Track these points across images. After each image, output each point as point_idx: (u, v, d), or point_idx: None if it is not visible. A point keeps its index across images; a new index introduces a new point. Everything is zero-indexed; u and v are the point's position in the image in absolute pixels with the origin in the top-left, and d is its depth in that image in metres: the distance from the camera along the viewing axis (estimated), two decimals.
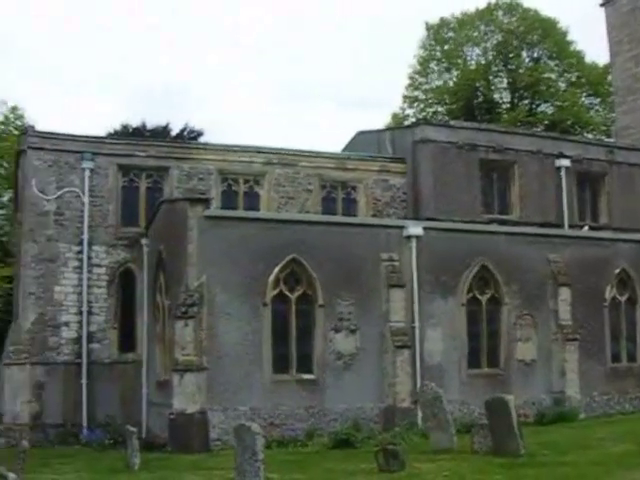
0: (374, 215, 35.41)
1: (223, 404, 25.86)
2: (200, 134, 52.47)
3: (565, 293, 30.90)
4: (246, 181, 34.68)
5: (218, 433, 25.42)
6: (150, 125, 51.08)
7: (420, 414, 25.65)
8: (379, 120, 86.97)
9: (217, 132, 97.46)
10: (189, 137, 50.34)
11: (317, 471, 19.22)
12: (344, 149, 41.23)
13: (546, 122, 64.36)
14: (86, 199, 32.27)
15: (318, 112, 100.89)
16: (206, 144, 36.67)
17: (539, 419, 28.72)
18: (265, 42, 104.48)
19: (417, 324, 28.53)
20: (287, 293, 27.40)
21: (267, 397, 26.54)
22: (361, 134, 41.18)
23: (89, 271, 32.09)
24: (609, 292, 32.24)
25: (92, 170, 32.62)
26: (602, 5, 53.21)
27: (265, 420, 25.65)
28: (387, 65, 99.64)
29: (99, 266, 32.34)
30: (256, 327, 26.69)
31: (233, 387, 26.07)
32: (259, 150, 35.16)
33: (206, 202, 27.86)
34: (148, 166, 33.65)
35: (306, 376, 27.37)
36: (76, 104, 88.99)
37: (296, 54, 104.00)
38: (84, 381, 31.35)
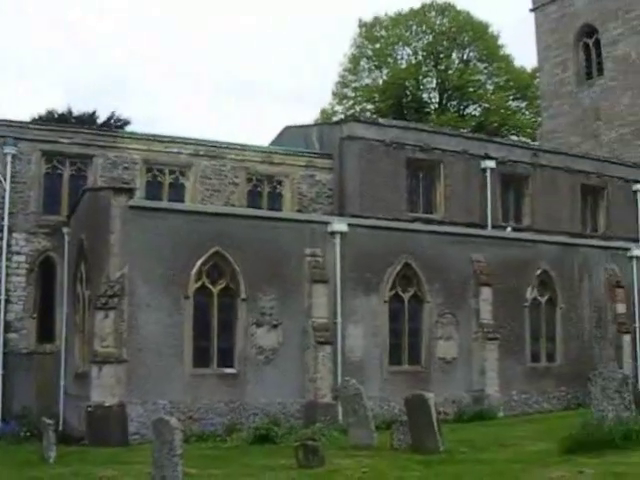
0: (299, 210, 35.35)
1: (142, 397, 25.55)
2: (127, 123, 51.93)
3: (486, 293, 31.18)
4: (171, 172, 34.39)
5: (137, 427, 25.12)
6: (76, 112, 50.45)
7: (341, 410, 25.66)
8: (310, 116, 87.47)
9: (151, 125, 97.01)
10: (115, 126, 49.72)
11: (235, 466, 19.06)
12: (271, 143, 41.10)
13: (473, 123, 64.97)
14: (7, 185, 31.68)
15: (255, 108, 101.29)
16: (132, 133, 36.24)
17: (459, 417, 29.05)
18: (201, 38, 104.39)
19: (339, 320, 28.53)
20: (209, 286, 27.21)
21: (187, 391, 26.32)
22: (289, 129, 41.10)
23: (8, 259, 31.54)
24: (530, 293, 32.64)
25: (14, 156, 32.02)
26: (532, 10, 54.08)
27: (184, 414, 25.50)
28: (323, 62, 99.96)
29: (19, 254, 31.79)
30: (177, 320, 26.45)
31: (153, 380, 25.78)
32: (186, 141, 34.91)
33: (130, 192, 27.47)
34: (72, 153, 33.17)
35: (227, 370, 27.23)
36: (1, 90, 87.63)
37: (232, 50, 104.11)
38: (0, 371, 30.83)
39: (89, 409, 25.21)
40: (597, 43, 50.98)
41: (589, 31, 51.40)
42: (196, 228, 27.03)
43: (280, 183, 36.14)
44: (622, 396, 18.76)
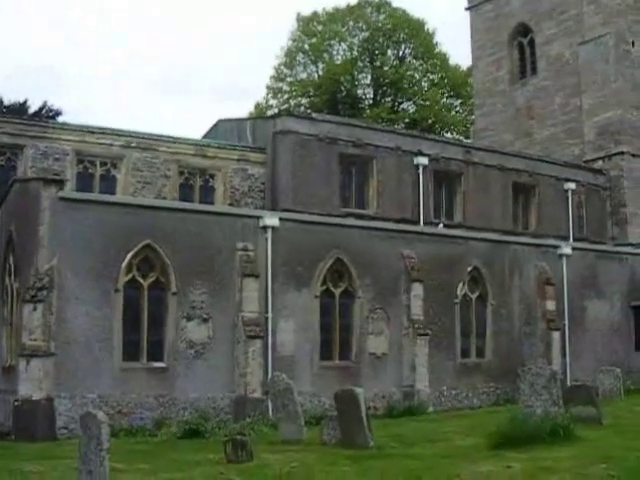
0: (231, 204, 35.26)
1: (71, 391, 25.20)
2: (59, 113, 51.63)
3: (418, 288, 31.26)
4: (103, 164, 34.13)
5: (65, 421, 24.78)
6: (7, 101, 49.89)
7: (270, 405, 25.60)
8: (245, 110, 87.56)
9: (86, 117, 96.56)
10: (47, 116, 49.25)
11: (164, 461, 18.89)
12: (204, 136, 40.97)
13: (407, 120, 65.31)
14: None
15: (196, 103, 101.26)
16: (64, 124, 35.87)
17: (389, 412, 29.10)
18: (144, 32, 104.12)
19: (270, 315, 28.41)
20: (140, 279, 26.89)
21: (116, 385, 26.00)
22: (222, 122, 40.96)
23: None
24: (461, 289, 32.79)
25: None
26: (467, 9, 54.46)
27: (113, 408, 25.21)
28: (262, 57, 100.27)
29: None
30: (107, 313, 26.13)
31: (81, 374, 25.45)
32: (118, 133, 34.65)
33: (60, 183, 27.07)
34: (2, 143, 32.78)
35: (157, 364, 26.96)
36: None
37: (175, 45, 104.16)
38: None
39: (16, 403, 24.79)
40: (531, 43, 51.60)
41: (524, 30, 51.98)
42: (127, 221, 26.73)
43: (212, 176, 36.05)
44: (550, 392, 19.01)
